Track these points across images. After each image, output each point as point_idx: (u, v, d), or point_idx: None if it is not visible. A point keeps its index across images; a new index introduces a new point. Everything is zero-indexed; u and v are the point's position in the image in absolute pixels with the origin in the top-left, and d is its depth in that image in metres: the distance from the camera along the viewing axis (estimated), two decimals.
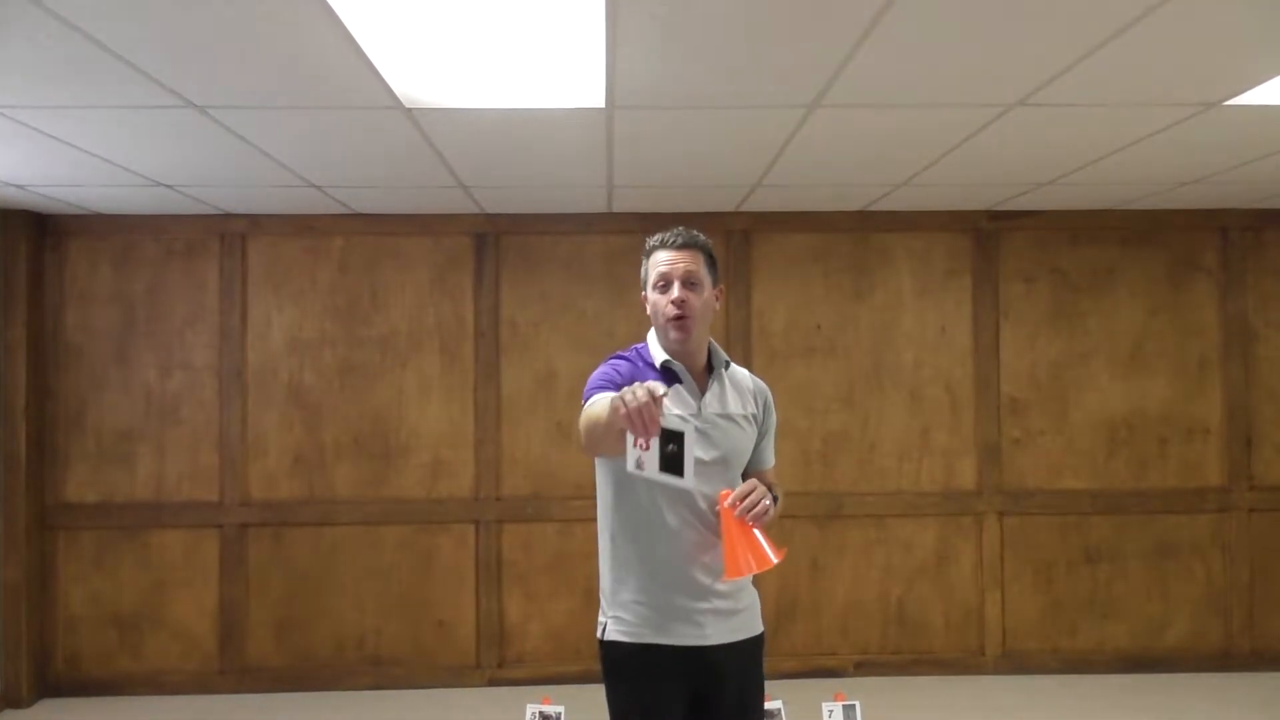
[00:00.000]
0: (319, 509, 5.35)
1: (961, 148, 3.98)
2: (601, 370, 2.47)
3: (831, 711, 4.35)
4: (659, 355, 2.48)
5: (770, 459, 2.68)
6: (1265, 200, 5.22)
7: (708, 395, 2.47)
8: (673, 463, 2.03)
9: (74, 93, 3.14)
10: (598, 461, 2.51)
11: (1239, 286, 5.52)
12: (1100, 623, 5.47)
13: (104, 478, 5.30)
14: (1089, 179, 4.59)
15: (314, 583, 5.34)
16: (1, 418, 5.09)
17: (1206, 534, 5.49)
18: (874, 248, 5.49)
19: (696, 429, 2.35)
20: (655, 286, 2.46)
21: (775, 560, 2.24)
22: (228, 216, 5.32)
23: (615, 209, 5.27)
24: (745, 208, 5.28)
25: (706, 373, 2.52)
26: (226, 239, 5.36)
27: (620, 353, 2.56)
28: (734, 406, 2.51)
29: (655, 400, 1.96)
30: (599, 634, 2.51)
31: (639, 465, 2.05)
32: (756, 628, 2.54)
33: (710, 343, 2.54)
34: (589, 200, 5.04)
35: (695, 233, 2.50)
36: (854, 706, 4.35)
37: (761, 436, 2.60)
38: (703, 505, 2.39)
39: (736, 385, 2.56)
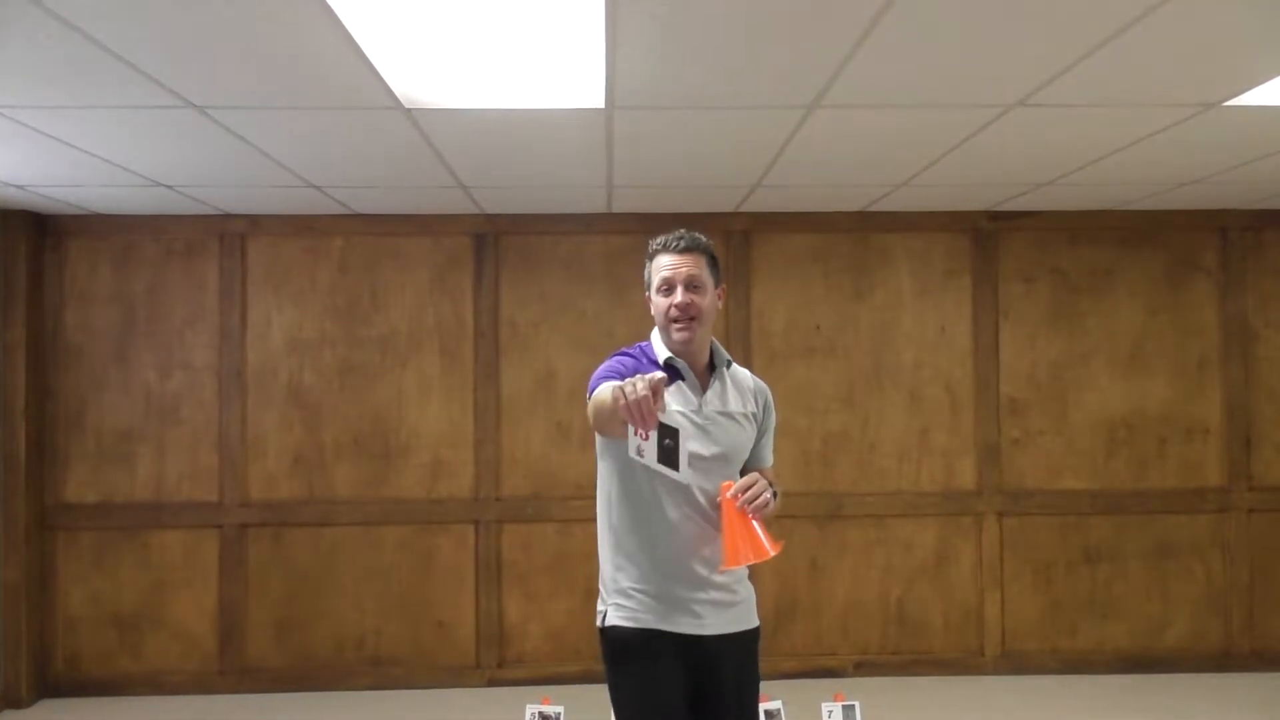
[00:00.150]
0: (319, 509, 5.35)
1: (961, 148, 3.98)
2: (607, 364, 2.52)
3: (831, 712, 4.35)
4: (662, 353, 2.54)
5: (769, 458, 2.72)
6: (1265, 200, 5.22)
7: (709, 393, 2.52)
8: (669, 456, 2.14)
9: (74, 93, 3.14)
10: (601, 455, 2.57)
11: (1239, 287, 5.52)
12: (1100, 623, 5.47)
13: (104, 478, 5.29)
14: (1089, 179, 4.59)
15: (314, 583, 5.34)
16: (1, 418, 5.09)
17: (1206, 534, 5.49)
18: (874, 248, 5.49)
19: (696, 425, 2.44)
20: (659, 289, 2.51)
21: (773, 552, 2.31)
22: (227, 217, 5.32)
23: (615, 209, 5.27)
24: (745, 208, 5.28)
25: (708, 371, 2.57)
26: (226, 239, 5.36)
27: (625, 349, 2.61)
28: (734, 405, 2.56)
29: (655, 394, 2.04)
30: (599, 622, 2.55)
31: (639, 452, 2.15)
32: (753, 621, 2.61)
33: (713, 342, 2.59)
34: (589, 200, 5.04)
35: (698, 235, 2.54)
36: (854, 707, 4.36)
37: (761, 435, 2.66)
38: (702, 500, 2.44)
39: (737, 384, 2.61)
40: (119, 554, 5.29)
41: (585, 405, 2.48)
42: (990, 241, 5.49)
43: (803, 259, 5.48)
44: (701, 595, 2.46)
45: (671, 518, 2.44)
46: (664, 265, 2.50)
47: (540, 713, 4.28)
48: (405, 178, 4.46)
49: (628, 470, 2.46)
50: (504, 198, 4.97)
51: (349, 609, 5.35)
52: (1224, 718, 4.82)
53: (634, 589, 2.48)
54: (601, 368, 2.49)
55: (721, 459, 2.50)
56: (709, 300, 2.51)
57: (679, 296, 2.46)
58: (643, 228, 5.16)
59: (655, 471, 2.26)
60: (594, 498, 2.63)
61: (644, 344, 2.62)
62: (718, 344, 2.60)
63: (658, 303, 2.51)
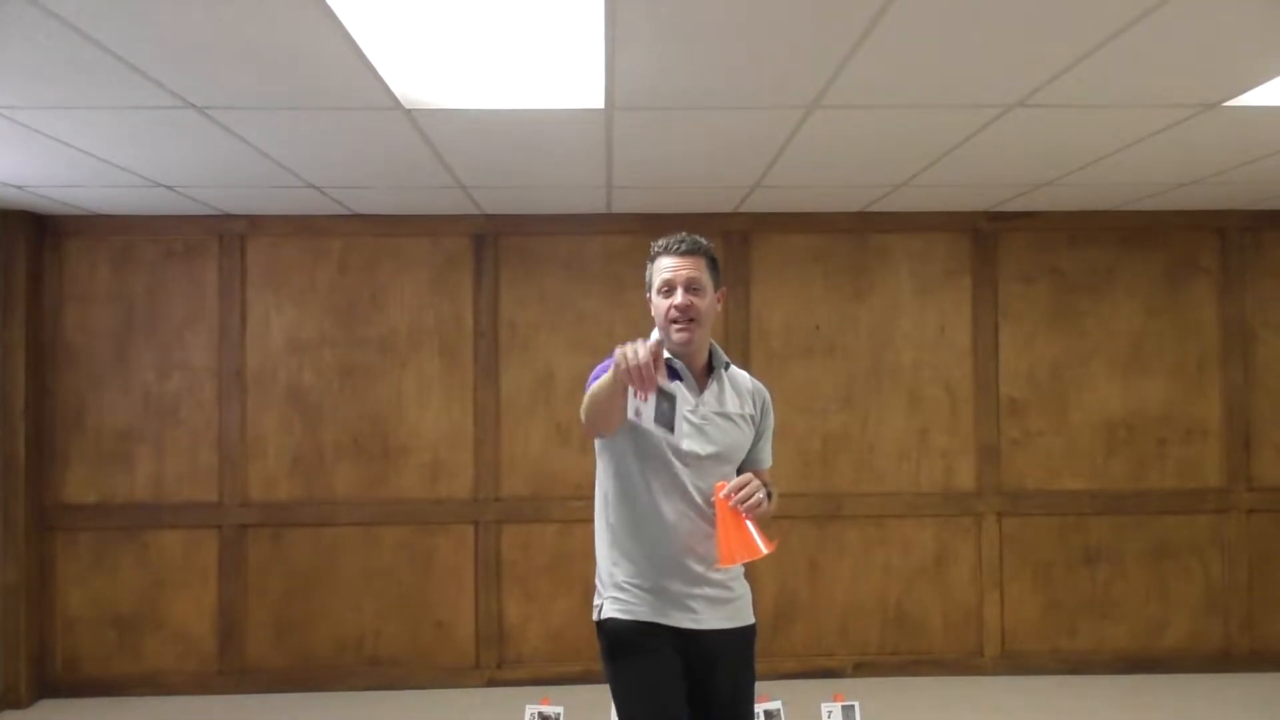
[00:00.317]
0: (318, 509, 5.34)
1: (961, 148, 3.98)
2: (606, 363, 2.51)
3: (830, 712, 4.35)
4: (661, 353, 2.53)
5: (767, 459, 2.75)
6: (1264, 201, 5.22)
7: (706, 394, 2.56)
8: (666, 419, 2.19)
9: (73, 93, 3.14)
10: (599, 453, 2.60)
11: (1238, 287, 5.52)
12: (1099, 623, 5.47)
13: (103, 478, 5.29)
14: (1088, 179, 4.59)
15: (313, 583, 5.34)
16: (0, 418, 5.08)
17: (1205, 535, 5.49)
18: (873, 248, 5.49)
19: (693, 425, 2.48)
20: (659, 291, 2.54)
21: (766, 550, 2.35)
22: (227, 217, 5.32)
23: (614, 209, 5.27)
24: (744, 208, 5.28)
25: (707, 373, 2.60)
26: (225, 239, 5.36)
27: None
28: (732, 406, 2.60)
29: (654, 358, 2.11)
30: (595, 616, 2.59)
31: (637, 414, 2.19)
32: (749, 618, 2.64)
33: (711, 344, 2.62)
34: (588, 201, 5.04)
35: (699, 239, 2.57)
36: (853, 707, 4.36)
37: (759, 437, 2.69)
38: (698, 498, 2.48)
39: (735, 386, 2.65)
40: (118, 554, 5.29)
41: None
42: (990, 242, 5.49)
43: (802, 259, 5.48)
44: (697, 591, 2.49)
45: (668, 516, 2.47)
46: (665, 267, 2.53)
47: (540, 713, 4.28)
48: (405, 178, 4.45)
49: (625, 468, 2.51)
50: (504, 198, 4.97)
51: (348, 609, 5.35)
52: (1223, 718, 4.83)
53: (630, 583, 2.51)
54: (600, 366, 2.51)
55: (718, 458, 2.53)
56: (708, 302, 2.54)
57: (679, 298, 2.49)
58: (642, 228, 5.17)
59: (652, 470, 2.38)
60: (593, 498, 2.65)
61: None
62: (716, 346, 2.64)
63: (658, 304, 2.55)
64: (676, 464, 2.47)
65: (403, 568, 5.37)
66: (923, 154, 4.12)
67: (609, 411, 2.34)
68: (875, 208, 5.31)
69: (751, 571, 2.61)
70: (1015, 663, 5.44)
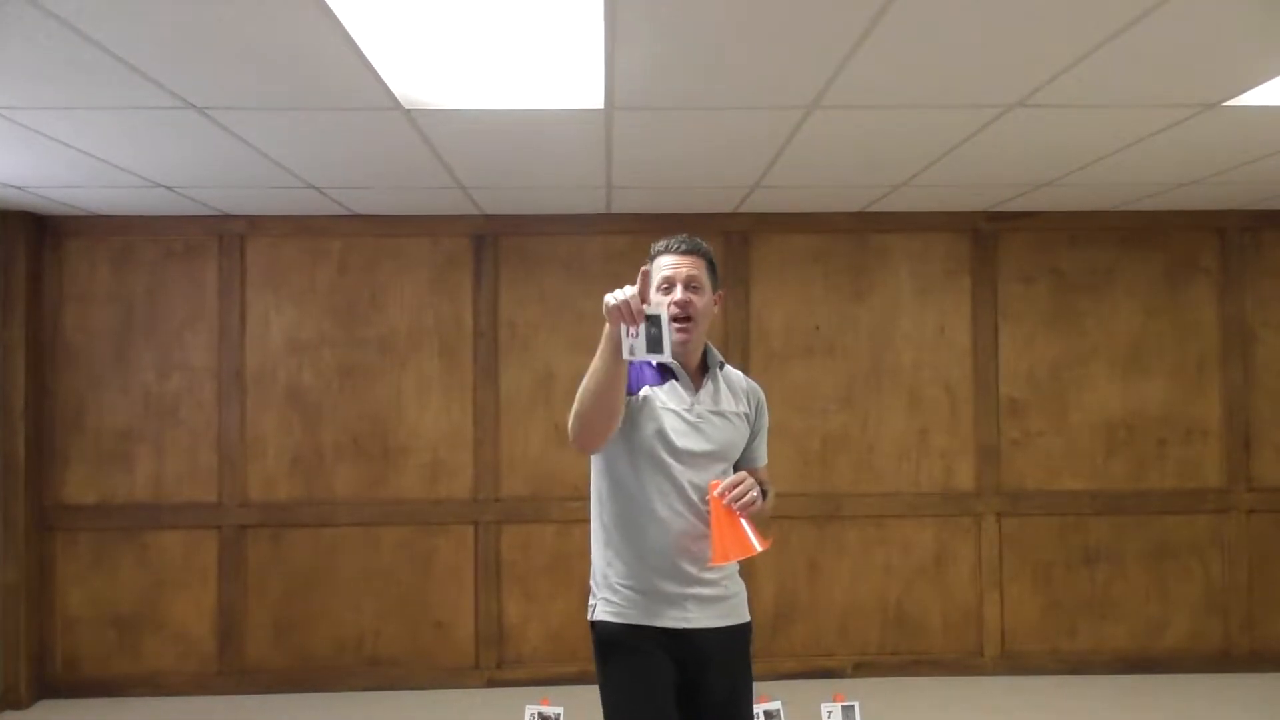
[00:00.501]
0: (318, 510, 5.34)
1: (961, 148, 3.98)
2: None
3: (830, 712, 4.35)
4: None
5: (763, 458, 2.77)
6: (1264, 201, 5.22)
7: (701, 392, 2.60)
8: (655, 343, 2.29)
9: (73, 94, 3.14)
10: (593, 456, 2.61)
11: (1237, 287, 5.52)
12: (1099, 624, 5.47)
13: (103, 479, 5.29)
14: (1088, 179, 4.59)
15: (313, 584, 5.34)
16: (0, 418, 5.08)
17: (1205, 535, 5.49)
18: (873, 248, 5.49)
19: (689, 423, 2.52)
20: (659, 288, 2.56)
21: (760, 548, 2.37)
22: (226, 217, 5.32)
23: (614, 210, 5.27)
24: (744, 209, 5.28)
25: (702, 372, 2.64)
26: (225, 240, 5.36)
27: None
28: (727, 404, 2.63)
29: (641, 291, 2.23)
30: (589, 615, 2.61)
31: (631, 352, 2.29)
32: (743, 616, 2.63)
33: (707, 344, 2.66)
34: (588, 201, 5.04)
35: (698, 240, 2.62)
36: (853, 707, 4.36)
37: (754, 436, 2.72)
38: (693, 496, 2.50)
39: (730, 384, 2.69)
40: (118, 555, 5.29)
41: None
42: (989, 242, 5.49)
43: (802, 259, 5.48)
44: (689, 590, 2.50)
45: (660, 514, 2.49)
46: (665, 265, 2.57)
47: (539, 713, 4.28)
48: (404, 178, 4.45)
49: (619, 467, 2.53)
50: (503, 198, 4.97)
51: (348, 610, 5.35)
52: (1223, 718, 4.82)
53: (621, 584, 2.53)
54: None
55: (713, 456, 2.55)
56: (706, 302, 2.58)
57: (678, 294, 2.53)
58: (642, 228, 5.16)
59: (645, 469, 2.45)
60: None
61: None
62: (712, 346, 2.67)
63: (657, 301, 2.54)
64: (671, 462, 2.49)
65: (402, 568, 5.37)
66: (923, 154, 4.12)
67: (606, 390, 2.34)
68: (875, 208, 5.31)
69: (751, 572, 2.63)
70: (1015, 663, 5.44)
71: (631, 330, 2.24)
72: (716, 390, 2.62)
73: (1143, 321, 5.51)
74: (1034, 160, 4.25)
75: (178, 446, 5.32)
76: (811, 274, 5.49)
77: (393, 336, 5.39)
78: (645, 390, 2.51)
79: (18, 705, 5.05)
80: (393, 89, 3.13)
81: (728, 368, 2.71)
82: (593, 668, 2.60)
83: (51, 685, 5.24)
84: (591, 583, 2.63)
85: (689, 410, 2.54)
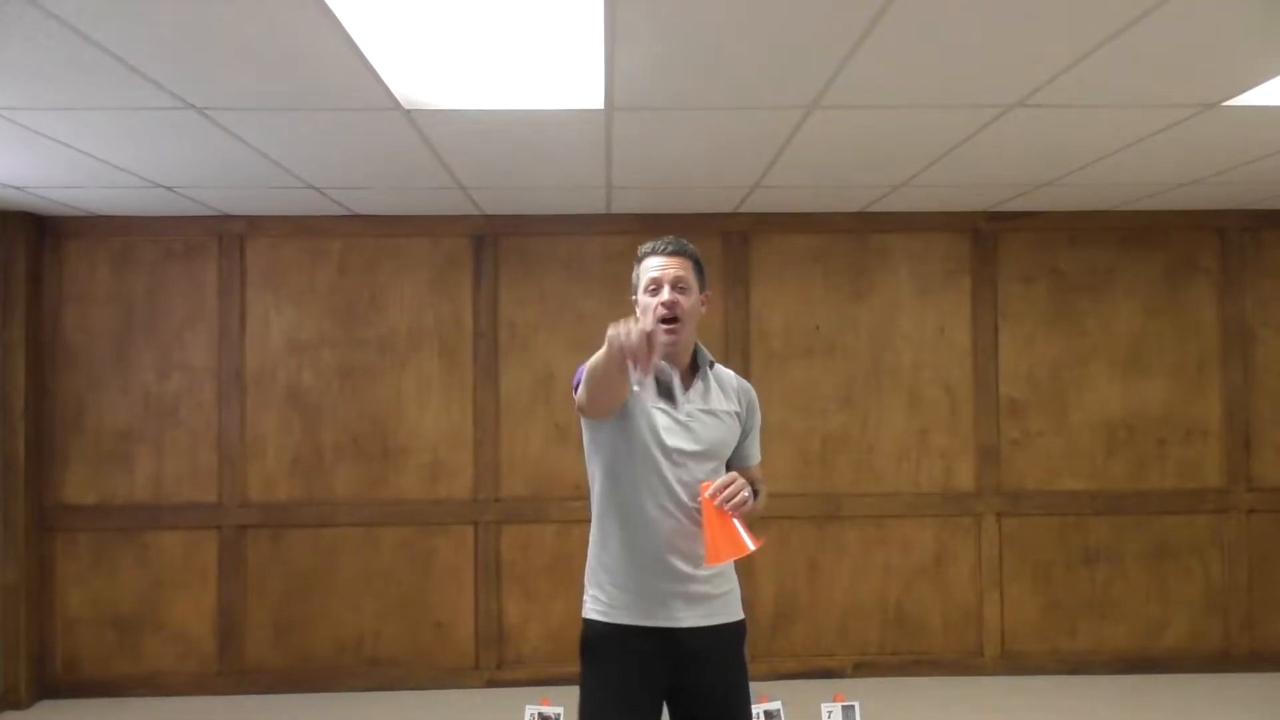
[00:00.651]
0: (318, 510, 5.34)
1: (961, 148, 3.98)
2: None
3: (830, 712, 4.35)
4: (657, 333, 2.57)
5: (755, 456, 2.81)
6: (1264, 201, 5.22)
7: (692, 391, 2.62)
8: (667, 393, 2.50)
9: (73, 94, 3.14)
10: (589, 456, 2.66)
11: (1237, 287, 5.52)
12: (1099, 624, 5.47)
13: (102, 479, 5.29)
14: (1088, 179, 4.59)
15: (313, 584, 5.34)
16: (0, 419, 5.08)
17: (1205, 535, 5.49)
18: (873, 248, 5.49)
19: (679, 422, 2.55)
20: (646, 290, 2.61)
21: (752, 547, 2.38)
22: (226, 218, 5.32)
23: (614, 210, 5.27)
24: (744, 209, 5.28)
25: (692, 372, 2.66)
26: (225, 240, 5.35)
27: None
28: (717, 403, 2.65)
29: (650, 342, 2.18)
30: (583, 612, 2.66)
31: (639, 385, 2.43)
32: (735, 614, 2.64)
33: (697, 344, 2.68)
34: (588, 201, 5.04)
35: (684, 241, 2.65)
36: (853, 707, 4.36)
37: (745, 434, 2.75)
38: (684, 495, 2.52)
39: (721, 383, 2.71)
40: (118, 555, 5.29)
41: None
42: (989, 242, 5.49)
43: (802, 259, 5.48)
44: (678, 589, 2.52)
45: (651, 514, 2.51)
46: (652, 267, 2.60)
47: (539, 713, 4.28)
48: (404, 179, 4.45)
49: (613, 466, 2.56)
50: (503, 198, 4.97)
51: (348, 610, 5.35)
52: (1223, 718, 4.82)
53: (611, 583, 2.57)
54: (582, 365, 2.55)
55: (704, 456, 2.57)
56: (693, 302, 2.61)
57: (666, 295, 2.55)
58: (642, 228, 5.16)
59: (638, 468, 2.49)
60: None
61: None
62: (701, 346, 2.69)
63: (645, 303, 2.60)
64: (662, 461, 2.51)
65: (402, 568, 5.37)
66: (923, 154, 4.12)
67: (611, 382, 2.36)
68: (875, 208, 5.31)
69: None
70: (1015, 663, 5.44)
71: (638, 371, 2.26)
72: (707, 389, 2.64)
73: (1143, 321, 5.51)
74: (1034, 160, 4.25)
75: (178, 447, 5.32)
76: (811, 274, 5.49)
77: (393, 337, 5.39)
78: (636, 386, 2.53)
79: (18, 705, 5.05)
80: (393, 89, 3.13)
81: (718, 367, 2.73)
82: None
83: (51, 686, 5.24)
84: (585, 579, 2.68)
85: (679, 410, 2.56)
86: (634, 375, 2.29)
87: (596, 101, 3.28)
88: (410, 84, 3.10)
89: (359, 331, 5.39)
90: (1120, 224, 5.50)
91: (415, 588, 5.37)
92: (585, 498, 2.77)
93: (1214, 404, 5.50)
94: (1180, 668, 5.43)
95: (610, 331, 2.20)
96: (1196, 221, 5.50)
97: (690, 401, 2.58)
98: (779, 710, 4.34)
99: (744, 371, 5.35)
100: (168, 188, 4.58)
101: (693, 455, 2.54)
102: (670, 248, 2.60)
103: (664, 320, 2.54)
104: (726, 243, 5.43)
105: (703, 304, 2.66)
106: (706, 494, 2.43)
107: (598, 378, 2.37)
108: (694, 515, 2.49)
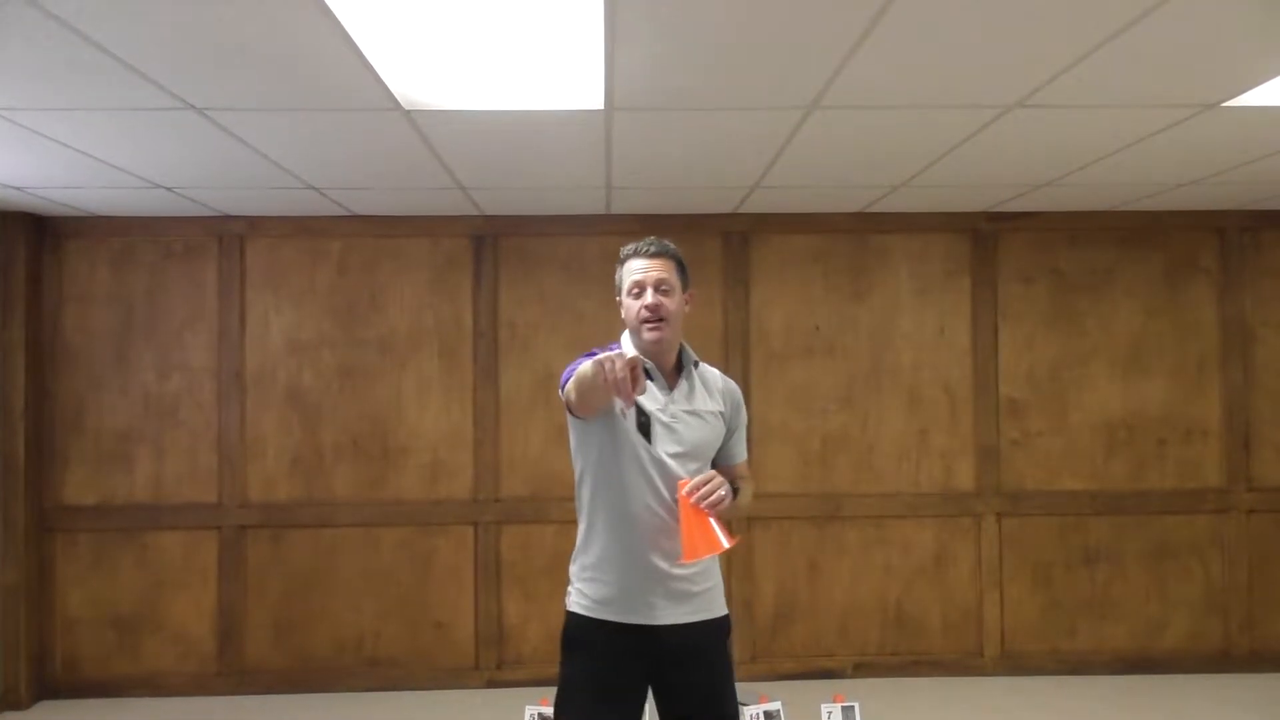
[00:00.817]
0: (318, 510, 5.34)
1: (961, 148, 3.98)
2: (580, 360, 2.60)
3: (830, 713, 4.35)
4: (632, 354, 2.59)
5: (741, 454, 2.84)
6: (1264, 201, 5.22)
7: (676, 392, 2.65)
8: (645, 429, 2.53)
9: (73, 95, 3.14)
10: (574, 455, 2.69)
11: (1237, 287, 5.52)
12: (1099, 624, 5.47)
13: (102, 479, 5.29)
14: (1088, 180, 4.59)
15: (313, 584, 5.34)
16: (0, 419, 5.09)
17: (1205, 535, 5.49)
18: (872, 249, 5.49)
19: (662, 423, 2.58)
20: (630, 292, 2.65)
21: (727, 545, 2.41)
22: (226, 218, 5.32)
23: (614, 210, 5.27)
24: (744, 209, 5.28)
25: (676, 371, 2.69)
26: (225, 240, 5.35)
27: (595, 350, 2.67)
28: (701, 403, 2.68)
29: (633, 375, 2.19)
30: (566, 604, 2.69)
31: (623, 413, 2.50)
32: (717, 610, 2.68)
33: (681, 344, 2.71)
34: (588, 202, 5.04)
35: (666, 242, 2.69)
36: (853, 708, 4.36)
37: (731, 433, 2.78)
38: (665, 494, 2.56)
39: (706, 384, 2.74)
40: (118, 556, 5.29)
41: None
42: (989, 242, 5.49)
43: (802, 260, 5.48)
44: (658, 586, 2.56)
45: (634, 512, 2.55)
46: (635, 269, 2.64)
47: (539, 714, 4.28)
48: (404, 179, 4.45)
49: (598, 464, 2.60)
50: (503, 199, 4.97)
51: (348, 610, 5.35)
52: (1223, 718, 4.83)
53: (594, 578, 2.61)
54: (574, 363, 2.58)
55: (686, 456, 2.60)
56: (677, 302, 2.64)
57: (649, 298, 2.59)
58: (642, 229, 5.11)
59: (621, 466, 2.53)
60: None
61: (614, 345, 2.74)
62: (686, 346, 2.72)
63: (629, 305, 2.64)
64: (646, 460, 2.54)
65: (402, 568, 5.37)
66: (923, 154, 4.12)
67: (596, 399, 2.42)
68: (875, 208, 5.31)
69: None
70: (1015, 663, 5.44)
71: (622, 402, 2.33)
72: (691, 390, 2.67)
73: (1143, 321, 5.52)
74: (1034, 160, 4.25)
75: (177, 447, 5.32)
76: (811, 274, 5.49)
77: (392, 337, 5.39)
78: (620, 412, 2.56)
79: (17, 706, 5.05)
80: (392, 90, 3.13)
81: (703, 366, 2.76)
82: None
83: (51, 686, 5.24)
84: (570, 571, 2.71)
85: (663, 410, 2.59)
86: (618, 404, 2.36)
87: (596, 102, 3.28)
88: (410, 84, 3.10)
89: (359, 332, 5.39)
90: (1120, 224, 5.50)
91: (415, 588, 5.37)
92: None
93: (1214, 404, 5.51)
94: (1180, 668, 5.43)
95: (594, 367, 2.23)
96: (1196, 221, 5.50)
97: (675, 402, 2.62)
98: (779, 710, 4.33)
99: (744, 371, 5.37)
100: (168, 188, 4.58)
101: (676, 456, 2.57)
102: (652, 249, 2.63)
103: (647, 322, 2.58)
104: (726, 243, 5.43)
105: (687, 303, 2.69)
106: (683, 492, 2.46)
107: (584, 393, 2.42)
108: (675, 514, 2.53)
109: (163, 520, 5.29)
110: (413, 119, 3.47)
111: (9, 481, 5.08)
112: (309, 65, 2.89)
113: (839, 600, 5.45)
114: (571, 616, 2.65)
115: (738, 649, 5.34)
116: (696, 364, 2.72)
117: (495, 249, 5.42)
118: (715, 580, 2.68)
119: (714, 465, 2.70)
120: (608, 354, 2.22)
